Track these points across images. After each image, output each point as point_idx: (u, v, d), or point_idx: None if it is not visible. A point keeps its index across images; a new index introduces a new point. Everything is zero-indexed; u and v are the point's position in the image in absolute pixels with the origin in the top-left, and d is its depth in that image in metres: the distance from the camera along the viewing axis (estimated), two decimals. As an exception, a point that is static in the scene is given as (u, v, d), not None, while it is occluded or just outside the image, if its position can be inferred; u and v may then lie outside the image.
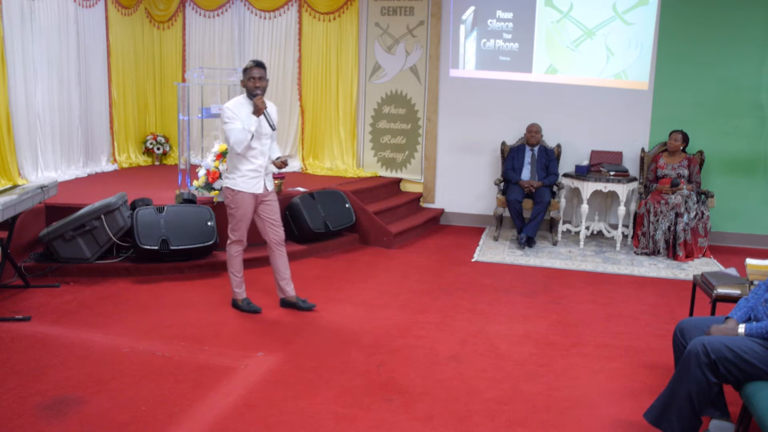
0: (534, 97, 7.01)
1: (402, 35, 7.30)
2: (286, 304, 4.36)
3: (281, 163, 4.17)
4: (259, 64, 4.01)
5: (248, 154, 4.03)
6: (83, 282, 4.70)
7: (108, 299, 4.40)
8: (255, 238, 5.61)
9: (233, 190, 4.07)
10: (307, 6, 7.49)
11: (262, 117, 4.02)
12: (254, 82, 3.97)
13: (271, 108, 4.14)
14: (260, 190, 4.11)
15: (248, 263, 5.24)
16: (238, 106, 4.00)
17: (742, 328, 2.66)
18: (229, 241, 4.22)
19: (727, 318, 2.81)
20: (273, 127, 4.09)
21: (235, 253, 4.23)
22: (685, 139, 6.33)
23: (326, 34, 7.48)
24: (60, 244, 4.76)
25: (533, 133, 6.58)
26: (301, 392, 3.16)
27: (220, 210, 5.36)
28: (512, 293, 4.88)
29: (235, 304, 4.32)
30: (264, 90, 4.00)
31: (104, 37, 7.24)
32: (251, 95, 4.00)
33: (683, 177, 6.20)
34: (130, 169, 7.57)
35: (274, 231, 4.24)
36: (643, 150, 6.70)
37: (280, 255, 4.30)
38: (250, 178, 4.07)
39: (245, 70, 4.01)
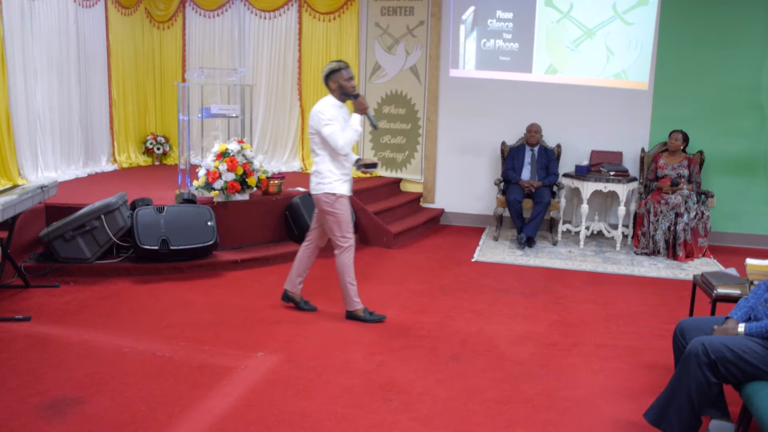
0: (534, 97, 7.01)
1: (402, 35, 7.30)
2: (288, 299, 4.33)
3: (372, 163, 4.14)
4: (348, 65, 4.02)
5: (340, 156, 4.01)
6: (83, 282, 4.70)
7: (108, 299, 4.40)
8: (253, 238, 5.63)
9: (335, 195, 4.00)
10: (307, 6, 7.49)
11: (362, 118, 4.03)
12: (351, 82, 3.97)
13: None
14: (350, 192, 4.11)
15: (249, 263, 5.25)
16: (333, 107, 3.97)
17: (741, 328, 2.66)
18: (340, 249, 4.06)
19: (727, 318, 2.81)
20: (375, 126, 4.07)
21: (349, 261, 4.08)
22: (686, 138, 6.34)
23: (326, 34, 7.49)
24: (60, 244, 4.76)
25: (533, 133, 6.58)
26: (301, 392, 3.16)
27: (220, 210, 5.37)
28: (512, 293, 4.88)
29: (355, 316, 4.15)
30: None
31: (104, 37, 7.24)
32: (346, 96, 4.00)
33: (683, 177, 6.21)
34: (130, 169, 7.57)
35: (325, 237, 4.24)
36: (643, 150, 6.70)
37: (313, 254, 4.28)
38: (344, 182, 4.05)
39: (335, 72, 3.96)
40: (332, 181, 4.00)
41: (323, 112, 3.93)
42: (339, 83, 3.97)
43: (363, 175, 4.31)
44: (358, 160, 4.16)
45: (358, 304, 4.15)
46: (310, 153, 4.12)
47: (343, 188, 4.04)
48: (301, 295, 4.36)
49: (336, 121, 3.92)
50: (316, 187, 4.04)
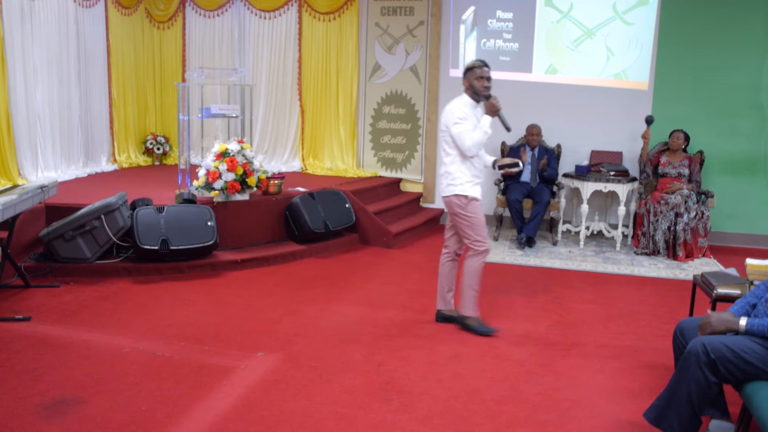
0: (534, 97, 7.01)
1: (402, 35, 7.30)
2: (445, 318, 4.11)
3: (512, 162, 3.93)
4: (486, 63, 3.84)
5: (472, 159, 3.86)
6: (83, 282, 4.70)
7: (108, 299, 4.39)
8: (253, 238, 5.63)
9: (467, 197, 3.85)
10: (307, 6, 7.49)
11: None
12: (483, 82, 3.79)
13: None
14: (480, 196, 3.95)
15: (249, 263, 5.25)
16: (466, 106, 3.83)
17: (744, 320, 2.63)
18: (473, 252, 3.91)
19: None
20: (508, 128, 3.88)
21: (479, 265, 3.90)
22: (687, 138, 6.34)
23: (326, 34, 7.49)
24: (60, 244, 4.76)
25: (533, 135, 6.58)
26: (301, 392, 3.16)
27: (220, 210, 5.37)
28: (512, 293, 4.88)
29: (467, 325, 3.95)
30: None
31: (104, 37, 7.24)
32: (478, 96, 3.83)
33: (684, 176, 6.21)
34: (130, 169, 7.57)
35: (463, 243, 4.05)
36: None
37: (455, 266, 4.10)
38: (475, 184, 3.89)
39: (471, 69, 3.81)
40: (463, 182, 3.85)
41: (455, 110, 3.80)
42: (470, 81, 3.82)
43: (505, 175, 4.11)
44: (495, 161, 3.99)
45: (473, 312, 3.96)
46: (441, 153, 3.97)
47: (474, 191, 3.88)
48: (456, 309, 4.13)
49: (467, 121, 3.77)
50: (447, 189, 3.90)
